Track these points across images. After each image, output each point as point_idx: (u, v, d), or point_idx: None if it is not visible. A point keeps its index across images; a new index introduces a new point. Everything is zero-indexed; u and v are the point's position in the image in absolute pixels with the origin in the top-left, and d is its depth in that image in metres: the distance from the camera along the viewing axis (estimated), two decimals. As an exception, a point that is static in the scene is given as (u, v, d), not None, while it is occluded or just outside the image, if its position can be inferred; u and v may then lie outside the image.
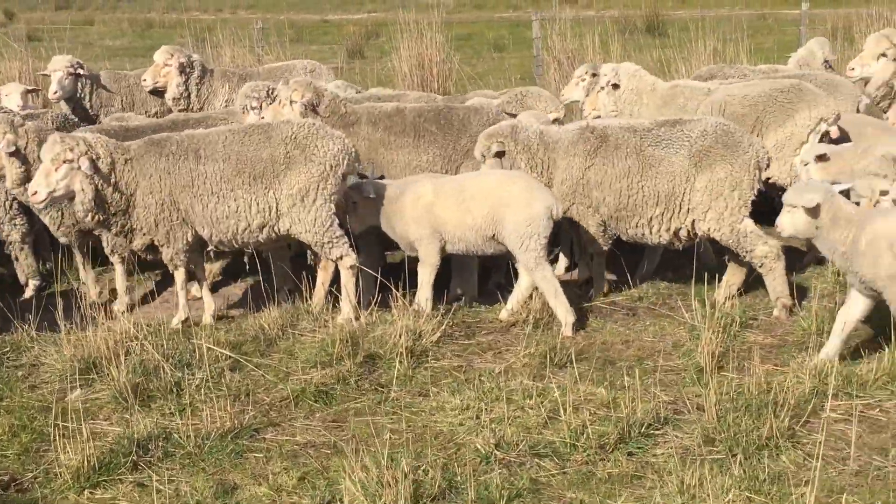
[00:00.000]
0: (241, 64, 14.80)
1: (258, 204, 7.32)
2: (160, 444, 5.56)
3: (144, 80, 11.00)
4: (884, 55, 9.32)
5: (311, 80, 9.30)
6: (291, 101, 8.77)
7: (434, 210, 7.30)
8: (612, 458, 5.25)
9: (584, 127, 7.82)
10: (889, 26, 16.41)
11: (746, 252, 7.39)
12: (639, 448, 5.36)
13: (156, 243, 7.38)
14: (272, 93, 9.18)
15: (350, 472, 4.94)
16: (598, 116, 9.12)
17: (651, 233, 7.65)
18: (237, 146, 7.33)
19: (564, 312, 7.14)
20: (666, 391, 6.12)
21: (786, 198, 6.29)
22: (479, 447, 5.36)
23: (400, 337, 6.67)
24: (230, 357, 6.66)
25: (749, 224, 7.36)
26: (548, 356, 6.54)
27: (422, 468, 5.12)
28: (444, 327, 7.05)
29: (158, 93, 11.13)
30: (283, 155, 7.31)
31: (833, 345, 6.28)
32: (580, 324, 7.25)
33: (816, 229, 6.18)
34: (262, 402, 6.23)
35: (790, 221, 6.25)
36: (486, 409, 5.77)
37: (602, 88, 9.26)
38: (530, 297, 7.46)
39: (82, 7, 39.83)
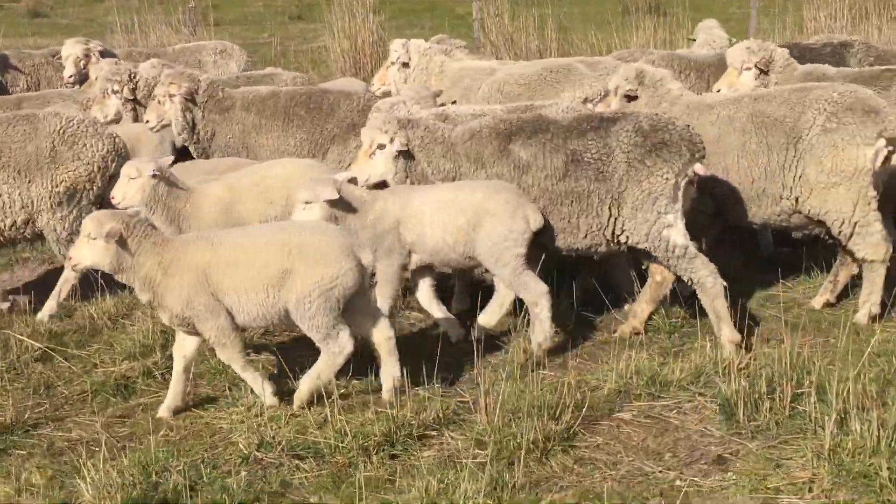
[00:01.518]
0: (165, 44, 14.62)
1: (22, 199, 7.07)
2: (-77, 442, 5.45)
3: (71, 76, 10.91)
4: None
5: (184, 69, 9.17)
6: (171, 95, 8.59)
7: (235, 209, 6.84)
8: (376, 461, 5.08)
9: (438, 114, 7.64)
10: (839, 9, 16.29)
11: None
12: (404, 450, 5.20)
13: None
14: (135, 76, 9.03)
15: (93, 471, 4.81)
16: (389, 92, 9.08)
17: None
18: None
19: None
20: (474, 390, 5.93)
21: (301, 196, 6.22)
22: (242, 447, 5.22)
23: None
24: (40, 348, 6.53)
25: None
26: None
27: (172, 468, 4.98)
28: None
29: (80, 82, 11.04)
30: (49, 149, 7.04)
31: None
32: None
33: (336, 219, 6.21)
34: (61, 395, 6.10)
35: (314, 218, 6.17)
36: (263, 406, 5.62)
37: (392, 64, 9.17)
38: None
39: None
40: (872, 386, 5.35)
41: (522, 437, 5.09)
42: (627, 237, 6.34)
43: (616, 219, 6.32)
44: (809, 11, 16.46)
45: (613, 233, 6.37)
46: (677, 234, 6.25)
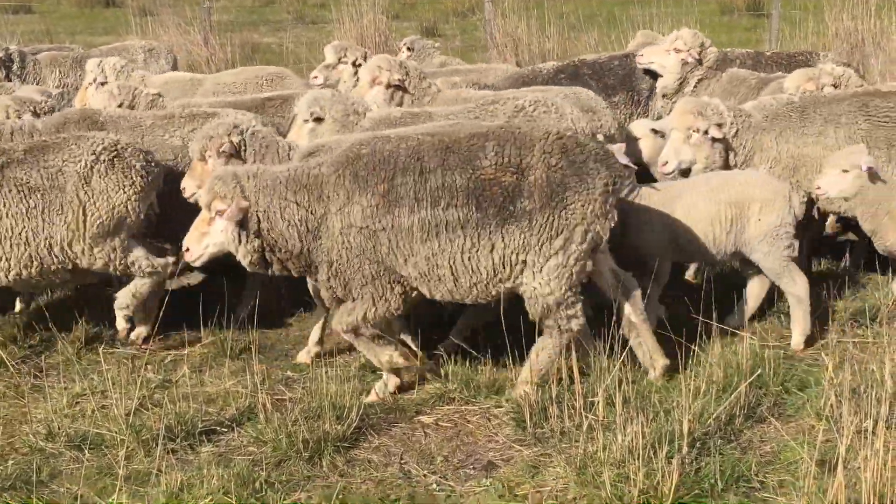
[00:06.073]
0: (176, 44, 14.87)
1: None
2: None
3: None
4: None
5: None
6: None
7: None
8: (155, 455, 5.16)
9: None
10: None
11: None
12: (188, 446, 5.29)
13: None
14: None
15: None
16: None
17: None
18: None
19: None
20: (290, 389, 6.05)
21: None
22: (31, 436, 5.39)
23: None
24: None
25: None
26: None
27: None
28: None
29: None
30: None
31: None
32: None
33: None
34: None
35: None
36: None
37: (90, 84, 9.00)
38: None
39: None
40: (656, 395, 5.28)
41: (297, 437, 5.15)
42: None
43: None
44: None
45: None
46: None
